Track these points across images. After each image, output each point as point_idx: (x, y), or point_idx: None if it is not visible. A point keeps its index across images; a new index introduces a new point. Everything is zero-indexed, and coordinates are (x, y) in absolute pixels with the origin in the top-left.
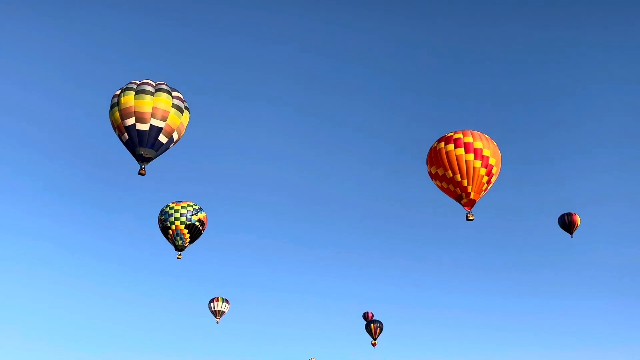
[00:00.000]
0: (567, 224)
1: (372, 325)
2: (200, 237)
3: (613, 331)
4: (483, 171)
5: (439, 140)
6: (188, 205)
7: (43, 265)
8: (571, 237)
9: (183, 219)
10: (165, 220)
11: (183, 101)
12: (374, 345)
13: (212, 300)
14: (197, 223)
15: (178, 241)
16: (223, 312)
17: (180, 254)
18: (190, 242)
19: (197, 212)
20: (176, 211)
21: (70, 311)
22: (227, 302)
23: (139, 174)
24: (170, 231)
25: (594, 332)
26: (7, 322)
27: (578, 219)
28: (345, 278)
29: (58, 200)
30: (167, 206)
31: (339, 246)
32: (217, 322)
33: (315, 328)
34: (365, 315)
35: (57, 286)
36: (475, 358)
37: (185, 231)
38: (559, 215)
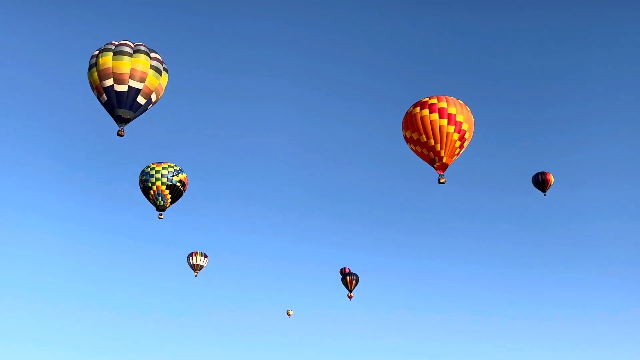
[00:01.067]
0: (540, 182)
1: (347, 277)
2: (181, 197)
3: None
4: (456, 136)
5: (415, 105)
6: (169, 166)
7: (21, 226)
8: (544, 195)
9: (164, 179)
10: (147, 180)
11: (161, 62)
12: (350, 297)
13: (190, 255)
14: (178, 184)
15: (159, 201)
16: (201, 266)
17: (161, 214)
18: (171, 203)
19: (178, 173)
20: (157, 172)
21: (52, 270)
22: (205, 256)
23: (118, 135)
24: (152, 192)
25: (565, 294)
26: None
27: (552, 178)
28: (322, 234)
29: (37, 161)
30: (148, 167)
31: (317, 203)
32: (196, 276)
33: (293, 282)
34: (342, 271)
35: (37, 246)
36: (445, 308)
37: (167, 192)
38: (533, 174)
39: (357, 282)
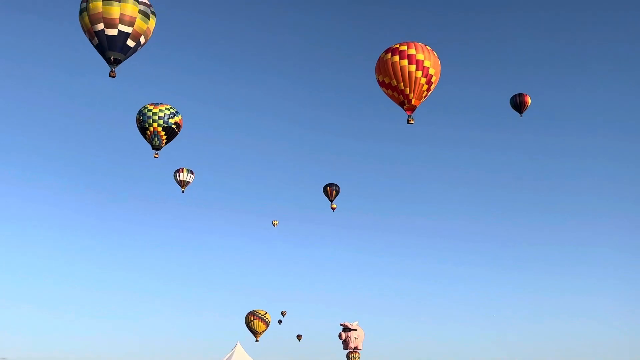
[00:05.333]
0: (517, 104)
1: (328, 188)
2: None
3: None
4: (423, 80)
5: (386, 52)
6: (165, 108)
7: (12, 180)
8: (521, 116)
9: (161, 121)
10: (144, 121)
11: (149, 6)
12: (333, 208)
13: (177, 171)
14: (173, 126)
15: (155, 141)
16: (188, 182)
17: (157, 153)
18: (166, 143)
19: (174, 116)
20: (154, 113)
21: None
22: (192, 173)
23: (110, 76)
24: (148, 132)
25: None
26: None
27: (529, 100)
28: (305, 147)
29: (36, 98)
30: (145, 108)
31: (299, 127)
32: (183, 192)
33: (277, 195)
34: (324, 189)
35: (40, 188)
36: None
37: (163, 133)
38: (511, 95)
39: (337, 192)
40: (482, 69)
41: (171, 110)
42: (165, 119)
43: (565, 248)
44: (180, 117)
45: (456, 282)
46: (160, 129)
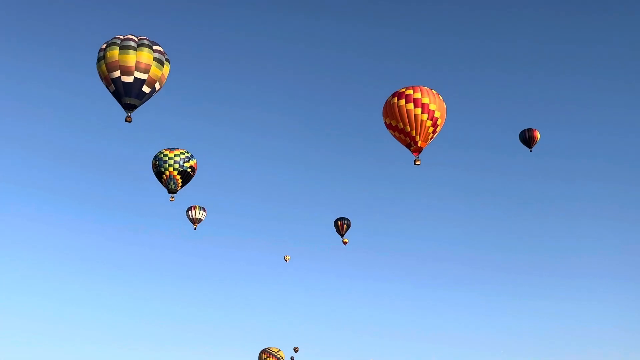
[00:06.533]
0: (527, 139)
1: (339, 222)
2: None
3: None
4: (429, 123)
5: (393, 95)
6: (181, 152)
7: (36, 216)
8: (530, 151)
9: (176, 165)
10: (160, 166)
11: (163, 54)
12: (345, 243)
13: (189, 209)
14: (188, 170)
15: (171, 185)
16: (200, 220)
17: (172, 197)
18: (182, 186)
19: (189, 160)
20: (170, 158)
21: (69, 255)
22: (204, 210)
23: (126, 120)
24: (164, 176)
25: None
26: None
27: (538, 135)
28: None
29: (53, 147)
30: (160, 153)
31: (309, 167)
32: (195, 229)
33: (290, 230)
34: (335, 223)
35: (52, 235)
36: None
37: (178, 177)
38: (520, 130)
39: (348, 227)
40: (487, 107)
41: (186, 154)
42: (181, 163)
43: (583, 294)
44: (195, 160)
45: (469, 318)
46: (175, 172)
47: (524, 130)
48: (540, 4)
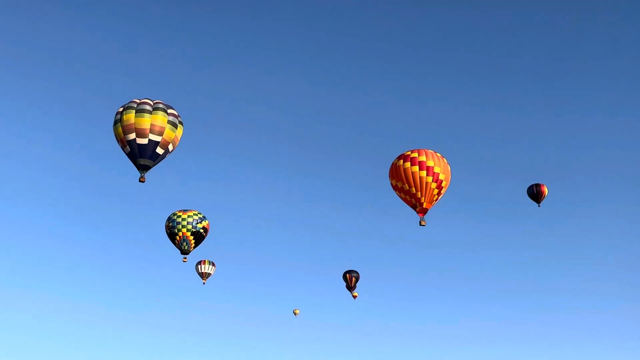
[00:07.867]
0: (535, 194)
1: (347, 275)
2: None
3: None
4: (434, 185)
5: (398, 158)
6: (194, 214)
7: (50, 271)
8: (539, 206)
9: (189, 226)
10: (173, 227)
11: (177, 117)
12: (354, 297)
13: (199, 263)
14: (201, 230)
15: (184, 246)
16: (209, 274)
17: (185, 258)
18: (194, 247)
19: (202, 221)
20: (183, 219)
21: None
22: (213, 264)
23: (140, 181)
24: (177, 237)
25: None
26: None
27: (546, 190)
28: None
29: (68, 206)
30: (174, 214)
31: (321, 215)
32: (204, 284)
33: (299, 284)
34: (344, 276)
35: (66, 289)
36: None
37: (191, 237)
38: (528, 185)
39: (357, 279)
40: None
41: (199, 215)
42: (194, 224)
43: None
44: (207, 222)
45: None
46: (189, 234)
47: (531, 186)
48: (547, 51)
